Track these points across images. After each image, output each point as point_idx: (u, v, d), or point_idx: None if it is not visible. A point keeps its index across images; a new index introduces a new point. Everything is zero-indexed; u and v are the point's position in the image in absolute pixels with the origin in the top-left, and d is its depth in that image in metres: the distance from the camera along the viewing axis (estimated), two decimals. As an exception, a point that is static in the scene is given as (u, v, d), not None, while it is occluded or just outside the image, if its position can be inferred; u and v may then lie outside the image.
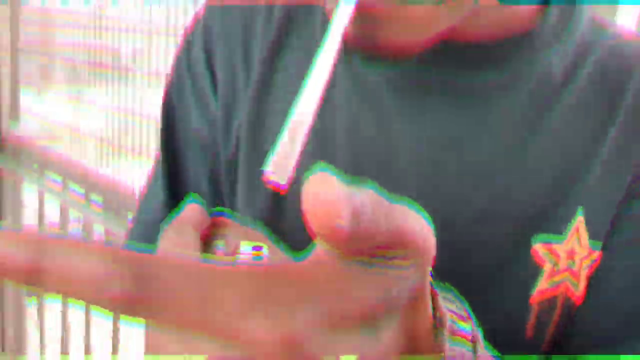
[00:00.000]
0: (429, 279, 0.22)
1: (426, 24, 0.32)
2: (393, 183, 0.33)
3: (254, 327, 0.17)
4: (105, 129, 1.79)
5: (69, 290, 0.16)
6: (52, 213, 1.98)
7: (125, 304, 0.16)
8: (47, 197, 1.96)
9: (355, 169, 0.41)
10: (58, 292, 0.16)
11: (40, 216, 1.99)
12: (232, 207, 0.48)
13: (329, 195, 0.16)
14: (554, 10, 0.42)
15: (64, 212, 1.87)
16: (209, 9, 0.51)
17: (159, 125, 0.54)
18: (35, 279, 0.15)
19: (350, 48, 0.33)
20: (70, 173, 1.81)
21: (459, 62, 0.40)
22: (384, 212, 0.18)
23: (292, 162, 0.25)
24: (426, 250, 0.20)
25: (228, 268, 0.18)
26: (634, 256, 0.39)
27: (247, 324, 0.17)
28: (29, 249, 0.15)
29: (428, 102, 0.40)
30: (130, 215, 1.57)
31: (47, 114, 1.91)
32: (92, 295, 0.16)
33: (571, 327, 0.41)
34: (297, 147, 0.25)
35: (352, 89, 0.41)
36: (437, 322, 0.25)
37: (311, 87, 0.28)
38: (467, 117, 0.40)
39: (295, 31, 0.46)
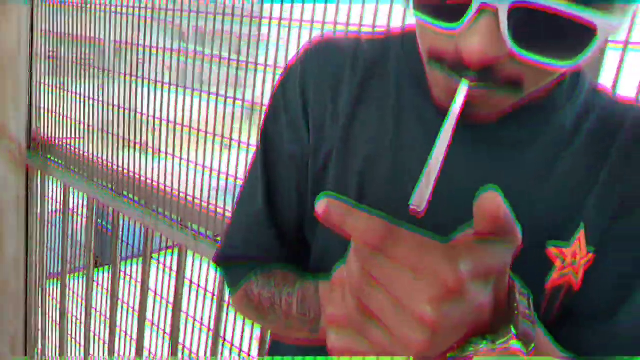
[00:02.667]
0: (511, 260, 0.38)
1: (500, 105, 0.48)
2: (457, 198, 0.48)
3: (443, 267, 0.34)
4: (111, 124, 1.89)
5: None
6: (76, 205, 2.08)
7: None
8: (72, 190, 2.06)
9: (448, 193, 0.54)
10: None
11: (65, 207, 2.09)
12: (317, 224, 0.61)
13: (498, 201, 0.33)
14: (568, 78, 0.56)
15: (90, 204, 1.97)
16: (307, 54, 0.63)
17: (259, 147, 0.68)
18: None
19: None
20: (92, 168, 1.91)
21: (508, 121, 0.54)
22: (509, 215, 0.35)
23: (428, 196, 0.40)
24: (518, 242, 0.37)
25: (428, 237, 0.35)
26: (614, 257, 0.55)
27: (438, 264, 0.34)
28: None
29: (480, 149, 0.55)
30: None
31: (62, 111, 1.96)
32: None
33: (571, 305, 0.56)
34: (431, 186, 0.40)
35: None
36: (512, 287, 0.41)
37: (440, 144, 0.43)
38: (504, 159, 0.55)
39: (373, 84, 0.60)
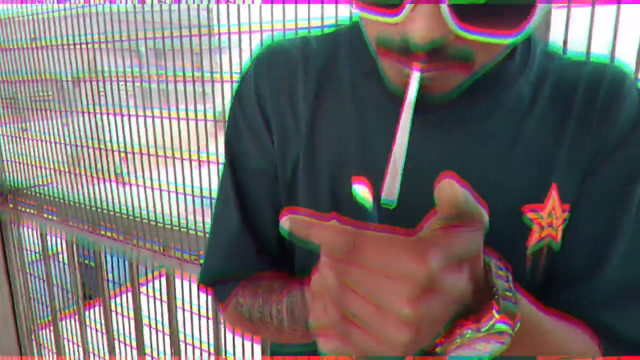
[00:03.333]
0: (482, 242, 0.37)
1: (454, 85, 0.47)
2: (427, 180, 0.46)
3: (414, 268, 0.33)
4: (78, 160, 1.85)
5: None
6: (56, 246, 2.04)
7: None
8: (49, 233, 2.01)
9: (419, 179, 0.52)
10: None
11: (44, 252, 2.05)
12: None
13: (455, 187, 0.33)
14: (519, 48, 0.56)
15: (69, 244, 1.93)
16: (257, 62, 0.62)
17: (225, 162, 0.66)
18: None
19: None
20: (66, 208, 1.88)
21: (460, 99, 0.53)
22: (471, 199, 0.34)
23: (398, 184, 0.39)
24: (484, 224, 0.35)
25: (394, 235, 0.34)
26: (591, 213, 0.55)
27: (408, 266, 0.32)
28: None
29: (442, 128, 0.54)
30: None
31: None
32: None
33: (555, 264, 0.56)
34: (399, 176, 0.39)
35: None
36: (487, 268, 0.40)
37: (401, 133, 0.41)
38: (468, 135, 0.54)
39: (328, 83, 0.59)
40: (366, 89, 0.57)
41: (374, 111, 0.56)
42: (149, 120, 1.57)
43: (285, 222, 0.35)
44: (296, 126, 0.59)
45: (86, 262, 2.00)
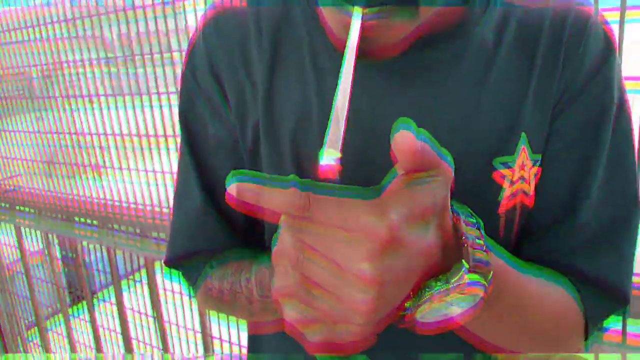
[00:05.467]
0: (448, 193, 0.34)
1: (400, 34, 0.44)
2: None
3: (373, 221, 0.30)
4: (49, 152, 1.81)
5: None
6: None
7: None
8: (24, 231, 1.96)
9: (367, 129, 0.50)
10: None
11: (22, 250, 1.99)
12: None
13: (410, 137, 0.30)
14: None
15: (44, 239, 1.88)
16: (207, 27, 0.58)
17: (180, 136, 0.62)
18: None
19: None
20: (40, 202, 1.82)
21: (421, 50, 0.50)
22: (430, 149, 0.32)
23: (341, 138, 0.36)
24: (449, 174, 0.32)
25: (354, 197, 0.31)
26: (561, 159, 0.52)
27: (367, 220, 0.30)
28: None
29: (405, 80, 0.51)
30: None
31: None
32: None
33: (530, 219, 0.54)
34: (342, 127, 0.36)
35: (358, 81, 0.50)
36: (456, 218, 0.37)
37: (343, 83, 0.38)
38: (433, 85, 0.51)
39: (283, 43, 0.55)
40: (322, 45, 0.53)
41: (331, 68, 0.53)
42: (122, 107, 1.52)
43: (232, 189, 0.32)
44: (253, 91, 0.56)
45: (70, 255, 1.96)
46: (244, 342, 1.43)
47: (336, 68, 0.51)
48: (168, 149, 1.44)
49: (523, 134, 0.51)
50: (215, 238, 0.61)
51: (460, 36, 0.52)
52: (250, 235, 0.62)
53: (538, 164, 0.52)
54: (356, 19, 0.40)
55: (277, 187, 0.31)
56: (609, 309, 0.55)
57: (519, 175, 0.52)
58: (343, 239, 0.31)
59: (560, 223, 0.53)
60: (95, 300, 1.81)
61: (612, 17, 0.70)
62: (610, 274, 0.53)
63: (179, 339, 1.59)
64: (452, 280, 0.36)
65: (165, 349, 1.64)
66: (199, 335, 1.53)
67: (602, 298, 0.53)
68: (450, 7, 0.51)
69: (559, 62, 0.51)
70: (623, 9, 0.69)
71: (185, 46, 1.35)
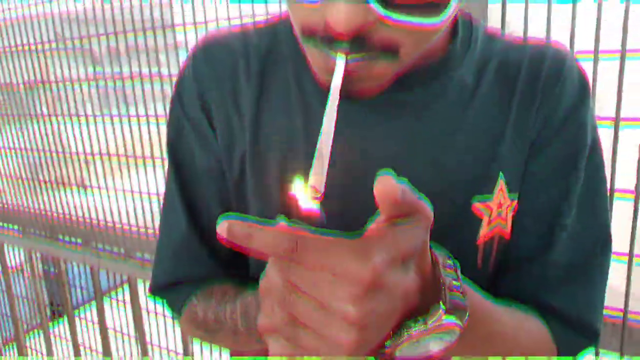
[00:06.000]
0: (428, 236, 0.36)
1: (385, 74, 0.45)
2: (373, 170, 0.45)
3: (357, 265, 0.31)
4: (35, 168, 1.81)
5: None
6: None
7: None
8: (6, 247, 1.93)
9: (350, 165, 0.51)
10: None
11: (4, 266, 1.96)
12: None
13: (391, 184, 0.32)
14: (460, 33, 0.54)
15: (27, 256, 1.86)
16: (196, 57, 0.58)
17: (168, 163, 0.63)
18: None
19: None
20: (23, 218, 1.80)
21: (403, 89, 0.52)
22: (411, 195, 0.33)
23: (325, 172, 0.37)
24: (429, 218, 0.34)
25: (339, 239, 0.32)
26: (536, 198, 0.54)
27: (351, 264, 0.31)
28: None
29: (387, 118, 0.52)
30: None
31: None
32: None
33: (506, 254, 0.55)
34: (326, 166, 0.37)
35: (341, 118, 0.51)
36: (435, 263, 0.39)
37: (326, 122, 0.39)
38: (413, 124, 0.52)
39: (270, 76, 0.56)
40: (308, 80, 0.55)
41: (317, 103, 0.54)
42: (109, 124, 1.51)
43: (223, 227, 0.33)
44: (241, 122, 0.57)
45: (51, 269, 1.93)
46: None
47: (322, 101, 0.53)
48: (155, 169, 1.44)
49: (500, 173, 0.53)
50: (199, 265, 0.62)
51: (441, 77, 0.53)
52: (234, 263, 0.63)
53: (515, 201, 0.54)
54: (340, 63, 0.41)
55: (266, 227, 0.32)
56: (580, 344, 0.56)
57: (497, 212, 0.54)
58: (328, 280, 0.32)
59: (534, 258, 0.55)
60: (77, 318, 1.79)
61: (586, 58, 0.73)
62: (582, 310, 0.55)
63: (161, 355, 1.57)
64: (430, 322, 0.37)
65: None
66: (180, 357, 1.51)
67: (573, 333, 0.55)
68: (432, 50, 0.52)
69: (536, 102, 0.53)
70: (596, 51, 0.72)
71: (174, 63, 1.37)
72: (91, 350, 1.78)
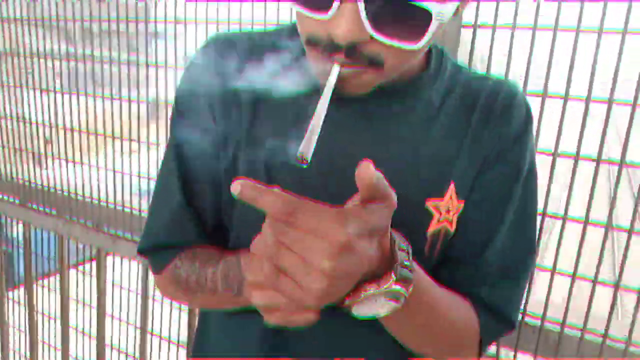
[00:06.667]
0: (390, 219, 0.45)
1: (369, 82, 0.55)
2: (353, 163, 0.50)
3: (335, 232, 0.40)
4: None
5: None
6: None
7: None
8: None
9: (335, 157, 0.60)
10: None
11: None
12: (231, 201, 0.66)
13: (370, 170, 0.41)
14: (432, 62, 0.65)
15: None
16: (205, 52, 0.66)
17: (169, 143, 0.71)
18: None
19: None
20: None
21: (383, 101, 0.61)
22: (383, 182, 0.42)
23: (313, 144, 0.44)
24: (394, 205, 0.44)
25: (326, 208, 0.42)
26: (479, 206, 0.64)
27: (331, 230, 0.40)
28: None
29: (366, 125, 0.62)
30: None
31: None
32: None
33: (449, 247, 0.65)
34: (314, 140, 0.45)
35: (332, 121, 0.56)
36: (393, 242, 0.49)
37: (320, 106, 0.48)
38: (386, 133, 0.62)
39: (271, 79, 0.64)
40: (303, 82, 0.63)
41: (308, 104, 0.63)
42: (75, 100, 1.56)
43: (237, 187, 0.41)
44: (238, 113, 0.65)
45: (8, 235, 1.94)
46: (182, 339, 1.49)
47: (313, 99, 0.62)
48: (122, 149, 1.49)
49: (452, 182, 0.63)
50: (188, 235, 0.69)
51: (413, 94, 0.63)
52: (215, 237, 0.71)
53: (461, 208, 0.64)
54: (336, 68, 0.51)
55: (271, 191, 0.41)
56: (500, 332, 0.67)
57: (445, 212, 0.64)
58: (311, 241, 0.41)
59: (472, 257, 0.65)
60: (39, 287, 1.81)
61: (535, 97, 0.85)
62: (505, 304, 0.66)
63: (119, 332, 1.62)
64: (383, 287, 0.47)
65: (100, 340, 1.66)
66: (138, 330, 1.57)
67: (495, 322, 0.65)
68: (409, 73, 0.63)
69: (489, 127, 0.63)
70: (545, 92, 0.84)
71: (150, 49, 1.42)
72: (48, 318, 1.79)
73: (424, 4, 0.45)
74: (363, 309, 0.49)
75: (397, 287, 0.47)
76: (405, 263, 0.49)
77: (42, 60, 1.65)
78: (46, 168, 1.71)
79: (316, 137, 0.46)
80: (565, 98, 0.84)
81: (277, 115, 0.64)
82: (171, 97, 1.34)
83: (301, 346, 0.66)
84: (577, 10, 0.82)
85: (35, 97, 1.69)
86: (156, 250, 0.72)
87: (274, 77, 0.65)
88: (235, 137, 0.65)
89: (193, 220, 0.69)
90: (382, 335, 0.59)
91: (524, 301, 0.94)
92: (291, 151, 0.61)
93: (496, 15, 0.88)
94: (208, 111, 0.66)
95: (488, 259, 0.65)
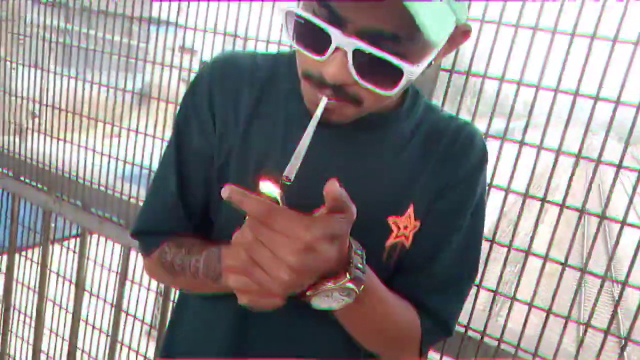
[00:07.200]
0: (349, 228, 0.55)
1: (351, 115, 0.65)
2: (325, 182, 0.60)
3: (302, 234, 0.50)
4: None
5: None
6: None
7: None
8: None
9: (315, 174, 0.66)
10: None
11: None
12: (220, 200, 0.74)
13: (335, 186, 0.51)
14: (408, 100, 0.76)
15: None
16: (214, 67, 0.76)
17: (171, 141, 0.80)
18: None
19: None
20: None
21: (361, 131, 0.72)
22: (345, 197, 0.52)
23: (297, 167, 0.55)
24: (353, 216, 0.54)
25: (292, 213, 0.52)
26: (433, 227, 0.74)
27: (299, 232, 0.50)
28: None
29: (344, 149, 0.72)
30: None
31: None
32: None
33: (404, 259, 0.75)
34: (299, 163, 0.55)
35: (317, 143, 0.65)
36: (350, 247, 0.59)
37: (307, 133, 0.57)
38: (360, 157, 0.72)
39: (267, 97, 0.75)
40: (294, 104, 0.74)
41: (296, 123, 0.72)
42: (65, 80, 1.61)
43: (226, 191, 0.51)
44: (236, 121, 0.75)
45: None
46: (149, 316, 1.56)
47: (301, 121, 0.72)
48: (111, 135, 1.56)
49: (411, 203, 0.74)
50: (177, 223, 0.79)
51: (387, 127, 0.74)
52: (203, 229, 0.81)
53: (417, 225, 0.75)
54: (323, 101, 0.61)
55: (253, 196, 0.51)
56: (438, 336, 0.77)
57: (403, 229, 0.74)
58: (282, 239, 0.51)
59: (423, 268, 0.75)
60: (21, 257, 1.87)
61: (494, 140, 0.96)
62: (447, 313, 0.76)
63: (95, 309, 1.69)
64: (338, 283, 0.57)
65: (76, 315, 1.73)
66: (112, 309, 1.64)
67: (436, 328, 0.76)
68: (387, 108, 0.73)
69: (449, 160, 0.74)
70: (504, 134, 0.96)
71: (143, 34, 1.49)
72: (28, 288, 1.86)
73: (398, 64, 0.56)
74: (320, 302, 0.59)
75: (350, 285, 0.57)
76: (359, 266, 0.59)
77: (35, 31, 1.69)
78: (32, 142, 1.77)
79: (300, 161, 0.56)
80: (521, 143, 0.96)
81: (268, 131, 0.74)
82: (157, 89, 1.43)
83: (264, 329, 0.76)
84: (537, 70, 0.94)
85: (23, 71, 1.75)
86: (147, 234, 0.81)
87: (271, 99, 0.75)
88: (230, 146, 0.75)
89: (184, 212, 0.79)
90: (335, 329, 0.69)
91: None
92: (277, 166, 0.71)
93: (470, 65, 0.99)
94: (209, 118, 0.76)
95: (436, 271, 0.75)
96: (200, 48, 1.37)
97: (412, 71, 0.57)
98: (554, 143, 0.95)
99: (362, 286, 0.59)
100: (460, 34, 0.64)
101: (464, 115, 0.84)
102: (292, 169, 0.55)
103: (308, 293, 0.58)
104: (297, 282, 0.53)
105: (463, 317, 1.06)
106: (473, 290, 0.89)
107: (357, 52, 0.56)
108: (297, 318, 0.73)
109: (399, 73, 0.57)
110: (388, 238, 0.73)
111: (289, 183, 0.55)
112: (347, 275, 0.57)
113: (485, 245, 0.84)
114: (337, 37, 0.56)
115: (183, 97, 0.80)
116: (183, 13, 1.44)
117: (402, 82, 0.58)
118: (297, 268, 0.51)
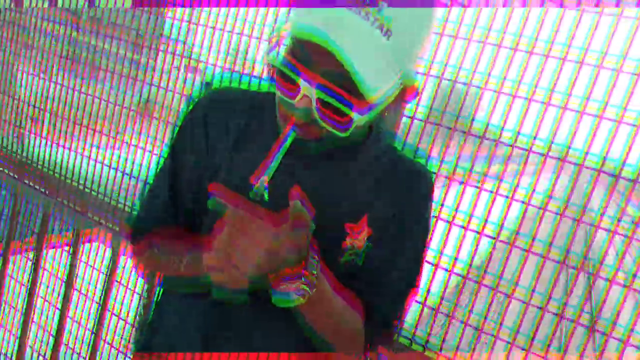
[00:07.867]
0: (307, 238, 0.70)
1: (313, 149, 0.79)
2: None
3: (270, 237, 0.66)
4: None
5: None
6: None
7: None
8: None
9: (279, 191, 0.80)
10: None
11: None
12: (206, 207, 0.89)
13: (298, 205, 0.68)
14: (371, 136, 0.90)
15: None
16: (210, 97, 0.92)
17: (168, 153, 0.94)
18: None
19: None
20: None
21: (325, 159, 0.85)
22: (305, 213, 0.68)
23: (267, 180, 0.70)
24: (310, 228, 0.69)
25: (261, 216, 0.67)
26: (384, 245, 0.88)
27: (269, 236, 0.65)
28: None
29: (315, 174, 0.86)
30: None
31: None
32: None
33: (357, 274, 0.89)
34: (268, 178, 0.71)
35: (291, 170, 0.83)
36: (308, 254, 0.73)
37: (276, 153, 0.73)
38: (325, 183, 0.86)
39: (253, 127, 0.89)
40: (275, 131, 0.88)
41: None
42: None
43: (215, 198, 0.66)
44: (225, 148, 0.89)
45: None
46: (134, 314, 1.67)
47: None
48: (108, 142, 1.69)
49: (366, 228, 0.88)
50: (169, 225, 0.93)
51: (351, 158, 0.88)
52: (190, 231, 0.94)
53: (370, 246, 0.89)
54: (291, 134, 0.75)
55: (234, 204, 0.66)
56: (381, 340, 0.91)
57: (356, 236, 0.88)
58: (252, 242, 0.66)
59: (373, 281, 0.89)
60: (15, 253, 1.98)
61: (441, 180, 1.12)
62: (391, 319, 0.90)
63: (82, 307, 1.79)
64: (294, 284, 0.71)
65: (63, 310, 1.84)
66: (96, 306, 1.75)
67: (380, 330, 0.89)
68: (353, 141, 0.87)
69: (401, 191, 0.89)
70: (451, 173, 1.11)
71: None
72: (19, 285, 1.96)
73: (350, 112, 0.71)
74: (279, 299, 0.73)
75: (304, 286, 0.71)
76: (313, 271, 0.73)
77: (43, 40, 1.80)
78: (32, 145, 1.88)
79: (269, 176, 0.70)
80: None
81: (253, 149, 0.88)
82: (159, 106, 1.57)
83: (235, 321, 0.89)
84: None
85: (28, 74, 1.85)
86: (141, 231, 0.96)
87: (258, 125, 0.90)
88: (218, 163, 0.89)
89: (173, 216, 0.93)
90: (293, 322, 0.83)
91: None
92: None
93: (431, 108, 1.15)
94: (203, 140, 0.90)
95: (385, 283, 0.89)
96: (203, 67, 1.50)
97: (359, 119, 0.71)
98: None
99: (314, 289, 0.73)
100: (408, 91, 0.78)
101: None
102: (262, 184, 0.70)
103: (270, 290, 0.72)
104: (261, 274, 0.68)
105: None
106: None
107: (320, 99, 0.71)
108: (260, 313, 0.86)
109: (349, 119, 0.71)
110: (344, 254, 0.87)
111: (266, 196, 0.70)
112: (303, 277, 0.71)
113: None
114: (304, 85, 0.71)
115: (180, 116, 0.94)
116: (191, 32, 1.58)
117: (352, 127, 0.72)
118: (261, 266, 0.66)
